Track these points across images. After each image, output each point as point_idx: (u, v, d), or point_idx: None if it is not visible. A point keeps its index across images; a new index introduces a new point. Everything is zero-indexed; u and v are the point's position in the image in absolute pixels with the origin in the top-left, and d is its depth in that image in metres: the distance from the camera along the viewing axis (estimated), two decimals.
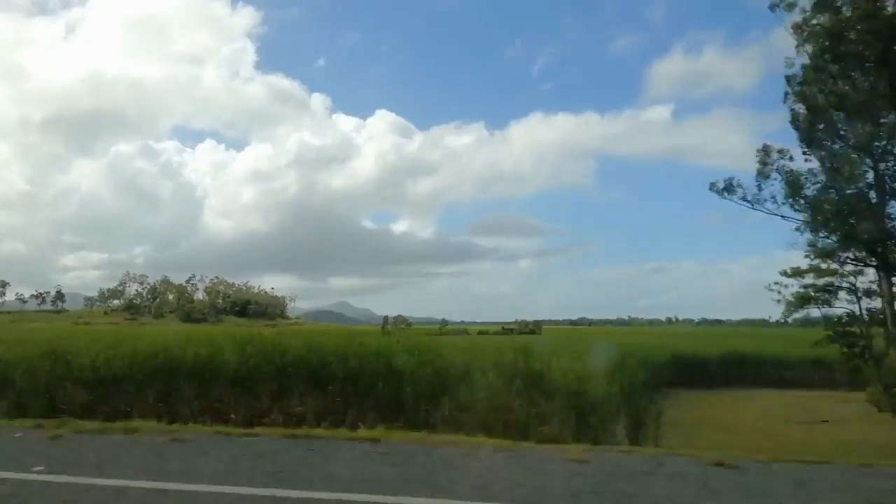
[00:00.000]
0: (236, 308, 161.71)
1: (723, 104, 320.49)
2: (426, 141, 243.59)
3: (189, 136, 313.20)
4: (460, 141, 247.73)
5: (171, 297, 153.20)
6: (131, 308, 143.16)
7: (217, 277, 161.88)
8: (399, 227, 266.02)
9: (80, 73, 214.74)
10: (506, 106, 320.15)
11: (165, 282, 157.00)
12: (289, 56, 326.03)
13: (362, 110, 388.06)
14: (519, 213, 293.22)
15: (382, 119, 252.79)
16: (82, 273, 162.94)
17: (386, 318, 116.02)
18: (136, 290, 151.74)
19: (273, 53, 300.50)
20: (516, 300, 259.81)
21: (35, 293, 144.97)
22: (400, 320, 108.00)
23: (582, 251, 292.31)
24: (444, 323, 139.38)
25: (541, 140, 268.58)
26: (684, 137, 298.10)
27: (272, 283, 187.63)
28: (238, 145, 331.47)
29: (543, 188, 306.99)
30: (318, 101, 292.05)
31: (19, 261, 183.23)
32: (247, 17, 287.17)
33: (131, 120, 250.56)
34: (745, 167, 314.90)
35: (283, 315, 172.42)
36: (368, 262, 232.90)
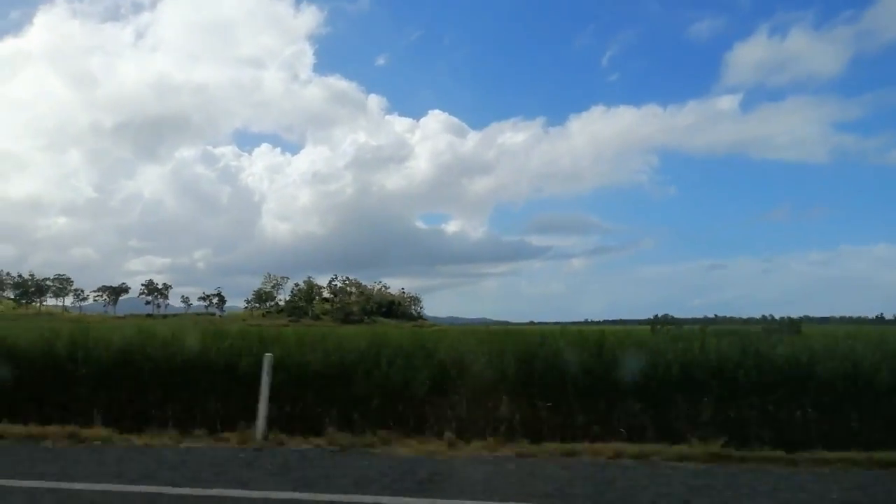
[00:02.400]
0: (382, 309, 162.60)
1: (800, 91, 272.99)
2: (481, 139, 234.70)
3: (248, 140, 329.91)
4: (517, 138, 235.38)
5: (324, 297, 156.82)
6: (291, 311, 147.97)
7: (348, 278, 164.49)
8: (451, 227, 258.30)
9: (149, 79, 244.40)
10: (568, 100, 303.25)
11: (309, 283, 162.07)
12: (348, 56, 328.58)
13: (416, 110, 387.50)
14: (574, 210, 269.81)
15: (436, 119, 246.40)
16: (147, 277, 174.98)
17: (656, 316, 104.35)
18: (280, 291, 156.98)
19: (333, 54, 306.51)
20: (567, 300, 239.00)
21: (203, 295, 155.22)
22: (667, 319, 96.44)
23: (636, 249, 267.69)
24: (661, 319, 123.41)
25: (600, 135, 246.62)
26: (752, 128, 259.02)
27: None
28: (294, 149, 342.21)
29: (600, 185, 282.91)
30: (374, 102, 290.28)
31: (89, 266, 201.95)
32: (310, 18, 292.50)
33: (195, 125, 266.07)
34: (815, 158, 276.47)
35: (420, 315, 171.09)
36: (420, 262, 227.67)
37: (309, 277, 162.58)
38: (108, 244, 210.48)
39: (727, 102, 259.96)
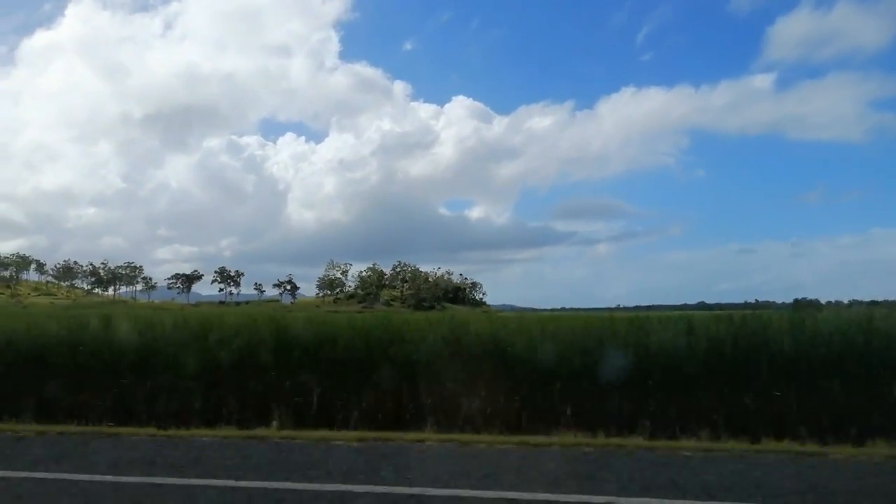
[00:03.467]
0: (448, 295, 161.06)
1: (842, 67, 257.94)
2: (508, 124, 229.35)
3: (274, 129, 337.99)
4: (545, 122, 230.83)
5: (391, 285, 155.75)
6: (363, 298, 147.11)
7: (400, 263, 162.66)
8: (475, 213, 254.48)
9: (177, 69, 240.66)
10: (598, 82, 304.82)
11: (373, 269, 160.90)
12: (376, 41, 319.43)
13: (441, 96, 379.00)
14: (600, 195, 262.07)
15: (461, 104, 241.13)
16: (175, 266, 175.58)
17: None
18: (340, 278, 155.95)
19: (359, 40, 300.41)
20: (591, 285, 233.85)
21: (277, 282, 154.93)
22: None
23: (663, 234, 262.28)
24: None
25: (629, 117, 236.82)
26: (788, 108, 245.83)
27: (352, 272, 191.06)
28: (319, 137, 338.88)
29: (628, 168, 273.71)
30: (400, 88, 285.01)
31: (119, 255, 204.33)
32: (338, 3, 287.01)
33: (222, 114, 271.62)
34: (851, 138, 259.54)
35: (483, 301, 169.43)
36: (444, 249, 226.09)
37: (374, 264, 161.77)
38: (137, 233, 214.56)
39: (762, 81, 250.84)
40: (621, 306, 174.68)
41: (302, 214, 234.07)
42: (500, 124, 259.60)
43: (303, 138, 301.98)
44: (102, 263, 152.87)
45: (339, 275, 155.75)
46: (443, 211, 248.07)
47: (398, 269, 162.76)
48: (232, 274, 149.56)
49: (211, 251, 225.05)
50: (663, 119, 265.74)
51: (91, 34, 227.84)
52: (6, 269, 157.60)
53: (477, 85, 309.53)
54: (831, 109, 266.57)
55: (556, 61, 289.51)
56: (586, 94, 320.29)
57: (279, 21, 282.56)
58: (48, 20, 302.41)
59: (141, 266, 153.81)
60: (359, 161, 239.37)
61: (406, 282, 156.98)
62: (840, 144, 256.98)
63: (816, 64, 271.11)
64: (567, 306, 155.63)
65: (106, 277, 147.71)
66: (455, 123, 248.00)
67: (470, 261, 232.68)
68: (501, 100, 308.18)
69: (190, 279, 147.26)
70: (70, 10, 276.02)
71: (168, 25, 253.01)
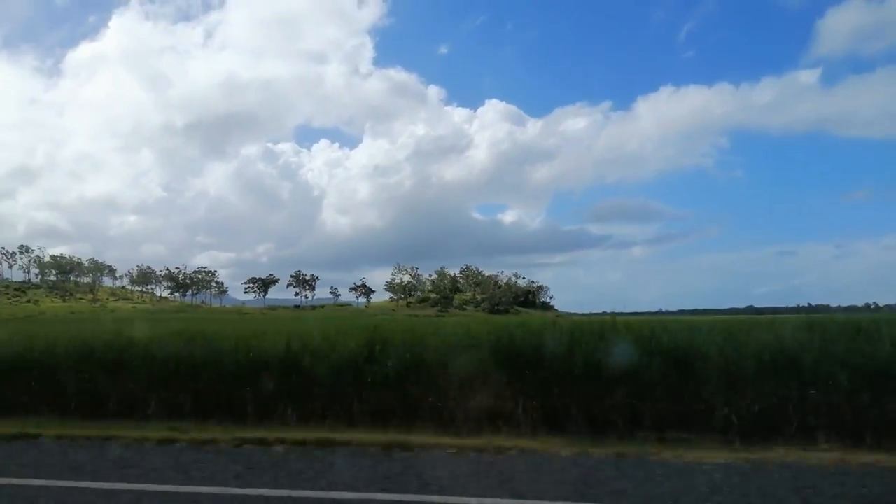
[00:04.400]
0: (520, 299, 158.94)
1: (893, 61, 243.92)
2: (543, 127, 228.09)
3: (309, 135, 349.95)
4: (580, 124, 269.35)
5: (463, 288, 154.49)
6: (437, 301, 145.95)
7: (467, 266, 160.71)
8: (508, 217, 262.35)
9: (217, 78, 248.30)
10: (636, 82, 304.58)
11: (442, 273, 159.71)
12: (410, 46, 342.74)
13: (475, 100, 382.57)
14: (636, 197, 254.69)
15: (494, 108, 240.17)
16: (212, 272, 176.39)
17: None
18: (412, 282, 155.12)
19: (394, 46, 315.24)
20: (627, 289, 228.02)
21: (354, 286, 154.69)
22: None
23: (701, 236, 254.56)
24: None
25: (667, 117, 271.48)
26: (834, 104, 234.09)
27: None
28: (353, 142, 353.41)
29: (664, 170, 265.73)
30: (434, 93, 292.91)
31: (160, 262, 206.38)
32: (374, 8, 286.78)
33: (260, 121, 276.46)
34: None
35: (551, 305, 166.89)
36: (477, 253, 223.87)
37: (442, 267, 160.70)
38: (177, 240, 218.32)
39: (808, 77, 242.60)
40: (663, 310, 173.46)
41: (337, 220, 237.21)
42: (534, 127, 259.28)
43: (337, 144, 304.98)
44: (177, 269, 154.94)
45: (407, 278, 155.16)
46: (476, 215, 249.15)
47: (465, 273, 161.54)
48: (307, 278, 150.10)
49: (248, 257, 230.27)
50: (702, 118, 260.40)
51: (134, 45, 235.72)
52: (85, 275, 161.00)
53: (511, 88, 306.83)
54: (880, 105, 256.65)
55: (592, 62, 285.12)
56: (623, 95, 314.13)
57: (316, 27, 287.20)
58: (93, 32, 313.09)
59: (215, 271, 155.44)
60: (393, 166, 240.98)
61: (478, 286, 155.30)
62: (889, 142, 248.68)
63: (865, 58, 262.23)
64: (606, 311, 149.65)
65: (183, 282, 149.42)
66: (488, 127, 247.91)
67: (503, 265, 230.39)
68: (536, 102, 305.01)
69: (266, 283, 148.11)
70: (114, 22, 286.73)
71: (209, 34, 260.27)
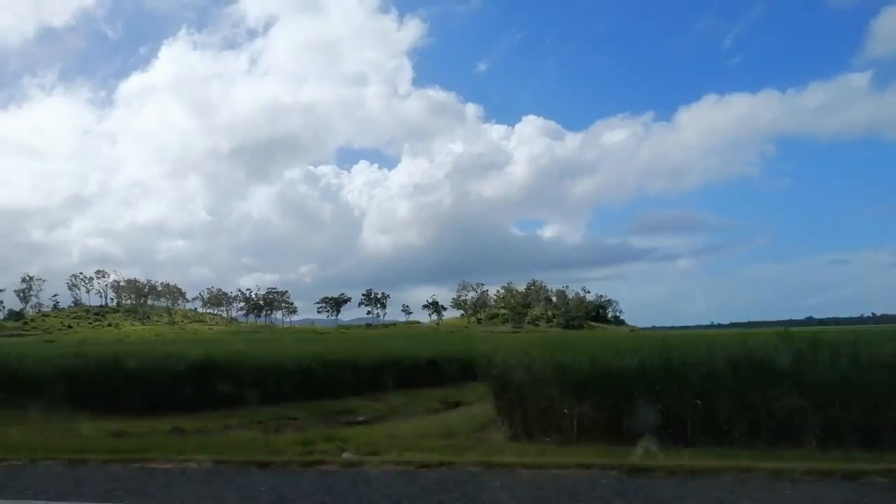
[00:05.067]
0: (592, 314, 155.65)
1: None
2: (582, 140, 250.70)
3: (349, 157, 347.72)
4: (621, 136, 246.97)
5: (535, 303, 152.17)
6: (507, 317, 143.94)
7: (534, 281, 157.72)
8: (548, 232, 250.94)
9: (261, 103, 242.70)
10: (679, 91, 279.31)
11: (508, 288, 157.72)
12: (448, 65, 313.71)
13: (513, 116, 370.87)
14: (680, 208, 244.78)
15: (532, 124, 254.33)
16: (258, 294, 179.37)
17: None
18: (473, 299, 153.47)
19: (433, 65, 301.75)
20: (672, 302, 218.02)
21: (426, 303, 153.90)
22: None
23: (747, 246, 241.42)
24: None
25: (711, 126, 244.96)
26: (887, 107, 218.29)
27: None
28: (392, 163, 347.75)
29: (709, 180, 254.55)
30: (472, 110, 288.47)
31: (206, 284, 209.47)
32: (413, 30, 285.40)
33: (302, 144, 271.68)
34: None
35: (622, 320, 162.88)
36: (517, 270, 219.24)
37: (509, 282, 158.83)
38: (222, 263, 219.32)
39: (860, 80, 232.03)
40: (715, 323, 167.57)
41: (377, 239, 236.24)
42: (573, 141, 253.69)
43: (376, 165, 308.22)
44: (248, 290, 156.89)
45: (473, 294, 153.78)
46: (515, 231, 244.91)
47: (533, 288, 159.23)
48: (378, 296, 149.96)
49: (291, 278, 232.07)
50: (747, 126, 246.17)
51: (182, 74, 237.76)
52: (159, 298, 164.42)
53: (549, 102, 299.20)
54: None
55: (634, 73, 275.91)
56: (665, 105, 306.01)
57: (356, 51, 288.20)
58: (144, 63, 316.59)
59: (287, 291, 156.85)
60: (432, 185, 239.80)
61: (550, 300, 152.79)
62: None
63: None
64: (654, 325, 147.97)
65: (257, 303, 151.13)
66: (526, 142, 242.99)
67: (543, 281, 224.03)
68: (575, 116, 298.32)
69: (338, 302, 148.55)
70: (163, 52, 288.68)
71: (253, 61, 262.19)
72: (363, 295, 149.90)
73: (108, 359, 15.32)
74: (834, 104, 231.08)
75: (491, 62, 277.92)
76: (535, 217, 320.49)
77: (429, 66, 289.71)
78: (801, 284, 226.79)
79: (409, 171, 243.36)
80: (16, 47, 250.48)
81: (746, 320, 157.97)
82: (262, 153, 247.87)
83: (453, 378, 26.78)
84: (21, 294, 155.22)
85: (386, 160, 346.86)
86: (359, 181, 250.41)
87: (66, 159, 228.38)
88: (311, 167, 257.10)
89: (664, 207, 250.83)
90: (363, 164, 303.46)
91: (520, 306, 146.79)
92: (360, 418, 16.51)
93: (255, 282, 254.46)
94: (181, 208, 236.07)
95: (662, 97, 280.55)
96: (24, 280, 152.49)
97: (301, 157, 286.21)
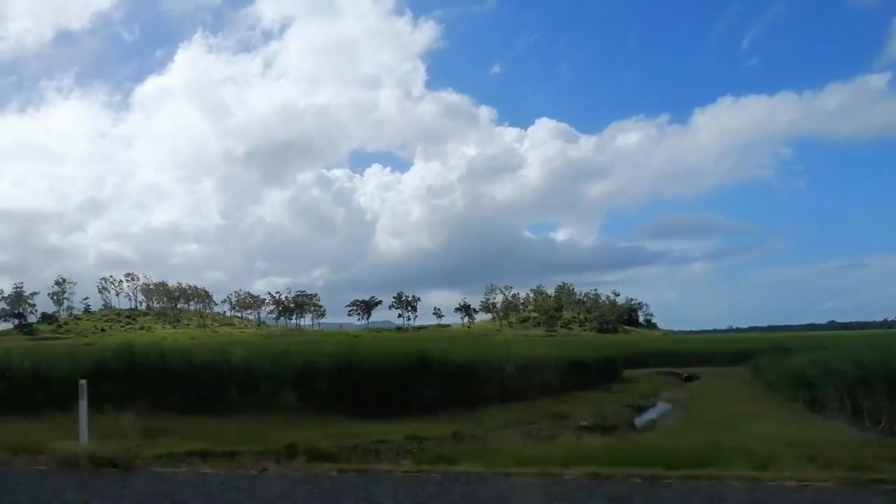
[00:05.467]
0: (624, 317, 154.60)
1: None
2: (596, 143, 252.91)
3: (362, 160, 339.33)
4: (635, 138, 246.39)
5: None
6: (539, 321, 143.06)
7: (563, 284, 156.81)
8: (560, 235, 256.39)
9: (275, 106, 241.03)
10: (695, 93, 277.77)
11: (538, 291, 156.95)
12: (463, 68, 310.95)
13: (527, 119, 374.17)
14: (695, 211, 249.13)
15: (545, 126, 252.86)
16: (287, 297, 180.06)
17: None
18: (502, 302, 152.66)
19: (447, 68, 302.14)
20: (685, 306, 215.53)
21: (459, 305, 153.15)
22: None
23: (765, 250, 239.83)
24: None
25: (727, 128, 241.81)
26: None
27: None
28: (405, 166, 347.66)
29: (723, 183, 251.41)
30: (485, 113, 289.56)
31: (221, 288, 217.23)
32: (427, 32, 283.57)
33: (316, 147, 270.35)
34: None
35: (653, 324, 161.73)
36: (529, 273, 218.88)
37: (539, 285, 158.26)
38: (235, 266, 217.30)
39: (878, 81, 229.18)
40: (733, 327, 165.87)
41: (389, 243, 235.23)
42: (587, 143, 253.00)
43: (388, 168, 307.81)
44: (277, 293, 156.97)
45: (502, 297, 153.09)
46: (527, 234, 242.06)
47: (562, 291, 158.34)
48: (409, 299, 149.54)
49: (304, 281, 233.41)
50: (764, 128, 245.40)
51: (197, 77, 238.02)
52: (187, 301, 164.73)
53: (563, 105, 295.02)
54: None
55: (650, 75, 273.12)
56: (681, 107, 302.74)
57: (371, 53, 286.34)
58: (160, 66, 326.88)
59: (316, 294, 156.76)
60: (444, 188, 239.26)
61: (583, 303, 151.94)
62: None
63: None
64: (671, 329, 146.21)
65: (287, 306, 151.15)
66: (540, 145, 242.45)
67: (556, 284, 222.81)
68: (589, 118, 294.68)
69: (369, 305, 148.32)
70: (179, 56, 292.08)
71: (267, 64, 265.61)
72: (394, 298, 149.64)
73: (342, 356, 15.00)
74: (852, 106, 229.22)
75: (505, 64, 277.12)
76: (548, 220, 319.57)
77: (443, 69, 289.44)
78: (818, 289, 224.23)
79: (421, 174, 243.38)
80: (34, 50, 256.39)
81: (766, 324, 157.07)
82: (275, 157, 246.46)
83: (596, 381, 26.70)
84: (54, 297, 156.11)
85: (399, 163, 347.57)
86: (371, 184, 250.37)
87: (82, 163, 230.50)
88: (324, 171, 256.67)
89: (678, 210, 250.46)
90: (376, 167, 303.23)
91: (552, 310, 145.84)
92: (583, 423, 15.99)
93: (267, 286, 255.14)
94: (195, 212, 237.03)
95: (678, 99, 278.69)
96: (57, 283, 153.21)
97: (315, 160, 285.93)
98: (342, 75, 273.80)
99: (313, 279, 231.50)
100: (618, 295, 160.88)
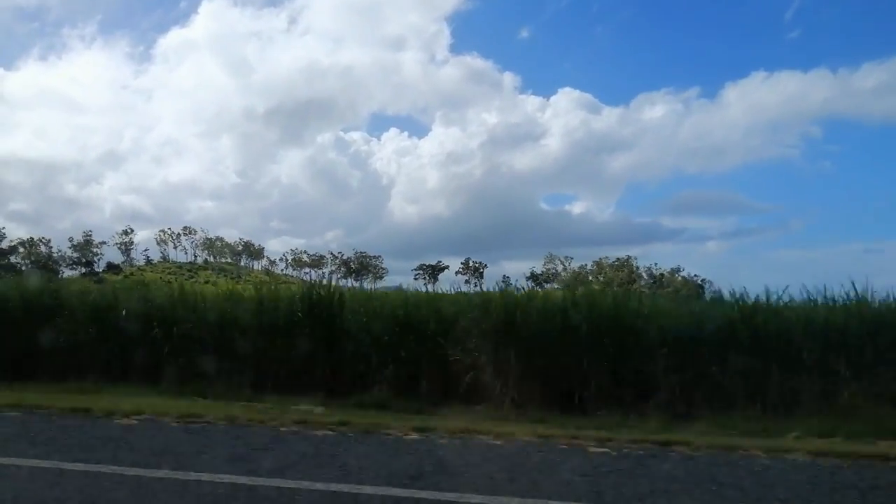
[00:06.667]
0: (655, 284, 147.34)
1: None
2: (620, 115, 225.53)
3: (381, 124, 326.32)
4: (662, 111, 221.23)
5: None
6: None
7: (629, 257, 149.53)
8: (577, 208, 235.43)
9: (299, 63, 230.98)
10: (728, 66, 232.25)
11: (601, 264, 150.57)
12: (490, 31, 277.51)
13: (550, 87, 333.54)
14: (716, 189, 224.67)
15: (568, 97, 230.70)
16: (349, 257, 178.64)
17: None
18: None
19: (473, 31, 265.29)
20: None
21: (528, 273, 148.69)
22: None
23: (783, 231, 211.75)
24: None
25: (757, 104, 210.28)
26: None
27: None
28: (423, 131, 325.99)
29: (746, 161, 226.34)
30: (509, 80, 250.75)
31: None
32: None
33: (338, 108, 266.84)
34: None
35: None
36: (543, 245, 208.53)
37: (602, 258, 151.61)
38: (251, 225, 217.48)
39: None
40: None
41: (404, 208, 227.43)
42: (611, 115, 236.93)
43: (406, 133, 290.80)
44: (340, 252, 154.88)
45: (561, 267, 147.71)
46: (543, 205, 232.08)
47: (625, 264, 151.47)
48: (477, 265, 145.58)
49: (318, 243, 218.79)
50: (794, 106, 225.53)
51: (221, 31, 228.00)
52: (233, 255, 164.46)
53: (591, 74, 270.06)
54: None
55: (683, 45, 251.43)
56: (712, 81, 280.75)
57: (399, 13, 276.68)
58: (184, 18, 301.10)
59: (380, 256, 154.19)
60: (462, 155, 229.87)
61: (654, 276, 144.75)
62: None
63: None
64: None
65: (355, 267, 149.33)
66: (562, 115, 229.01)
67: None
68: (617, 88, 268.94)
69: (435, 270, 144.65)
70: (203, 8, 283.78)
71: (293, 20, 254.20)
72: (461, 264, 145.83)
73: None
74: (888, 86, 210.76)
75: (535, 28, 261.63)
76: (565, 192, 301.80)
77: (470, 31, 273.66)
78: (833, 272, 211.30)
79: (440, 140, 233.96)
80: None
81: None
82: (296, 116, 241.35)
83: None
84: (122, 247, 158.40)
85: (417, 128, 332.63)
86: (388, 149, 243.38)
87: (103, 114, 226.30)
88: (341, 133, 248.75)
89: (699, 187, 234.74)
90: (393, 131, 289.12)
91: (625, 283, 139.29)
92: None
93: (282, 245, 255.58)
94: (212, 169, 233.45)
95: (709, 72, 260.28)
96: (125, 232, 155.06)
97: (335, 121, 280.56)
98: (368, 35, 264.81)
99: (327, 241, 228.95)
100: (682, 269, 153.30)
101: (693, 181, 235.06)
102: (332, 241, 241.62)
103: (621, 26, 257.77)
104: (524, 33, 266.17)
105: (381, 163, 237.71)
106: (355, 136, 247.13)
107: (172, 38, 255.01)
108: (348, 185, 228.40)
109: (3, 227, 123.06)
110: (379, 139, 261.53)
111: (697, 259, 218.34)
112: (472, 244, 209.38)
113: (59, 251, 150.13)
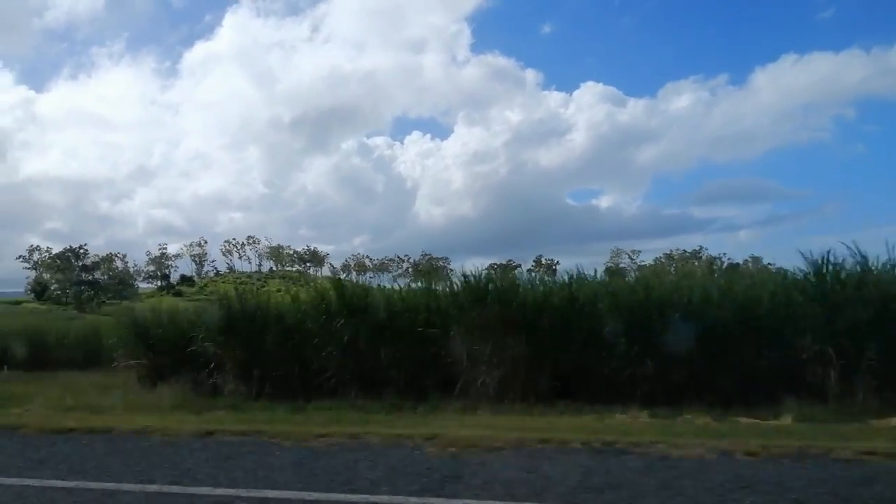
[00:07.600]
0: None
1: None
2: (644, 107, 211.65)
3: (404, 127, 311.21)
4: (687, 101, 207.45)
5: None
6: None
7: (699, 249, 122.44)
8: (604, 202, 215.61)
9: (322, 71, 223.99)
10: (757, 50, 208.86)
11: (672, 257, 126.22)
12: (511, 28, 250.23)
13: (574, 82, 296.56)
14: (746, 176, 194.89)
15: (591, 91, 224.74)
16: (418, 261, 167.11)
17: None
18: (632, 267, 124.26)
19: (494, 29, 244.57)
20: None
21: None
22: None
23: (817, 216, 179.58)
24: None
25: (787, 88, 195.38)
26: None
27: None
28: (446, 133, 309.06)
29: (780, 146, 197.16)
30: (531, 77, 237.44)
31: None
32: None
33: (361, 114, 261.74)
34: None
35: None
36: (571, 241, 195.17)
37: (671, 250, 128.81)
38: (279, 235, 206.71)
39: None
40: None
41: (430, 210, 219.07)
42: (636, 107, 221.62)
43: (428, 136, 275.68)
44: (406, 256, 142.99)
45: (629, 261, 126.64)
46: (570, 201, 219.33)
47: (695, 258, 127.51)
48: (549, 263, 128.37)
49: (345, 249, 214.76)
50: (827, 88, 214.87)
51: (245, 42, 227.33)
52: (300, 263, 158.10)
53: (615, 66, 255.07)
54: None
55: (710, 31, 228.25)
56: (740, 66, 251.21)
57: (419, 15, 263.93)
58: (208, 31, 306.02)
59: (447, 257, 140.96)
60: (487, 155, 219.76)
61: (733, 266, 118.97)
62: None
63: None
64: None
65: (427, 271, 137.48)
66: (586, 110, 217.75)
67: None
68: (642, 79, 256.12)
69: (507, 268, 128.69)
70: (227, 20, 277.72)
71: (315, 28, 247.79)
72: (533, 262, 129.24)
73: None
74: None
75: (556, 23, 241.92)
76: (592, 187, 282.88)
77: (491, 30, 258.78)
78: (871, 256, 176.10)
79: (462, 140, 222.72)
80: (86, 16, 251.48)
81: None
82: (321, 124, 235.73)
83: None
84: (196, 259, 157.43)
85: (440, 130, 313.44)
86: (412, 152, 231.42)
87: (132, 130, 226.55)
88: (365, 138, 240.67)
89: (728, 176, 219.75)
90: (416, 134, 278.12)
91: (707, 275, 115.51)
92: None
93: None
94: (239, 180, 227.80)
95: (737, 58, 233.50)
96: (199, 244, 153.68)
97: (359, 127, 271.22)
98: (389, 39, 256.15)
99: (354, 247, 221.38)
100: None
101: (722, 170, 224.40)
102: (359, 246, 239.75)
103: (645, 17, 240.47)
104: (546, 29, 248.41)
105: (405, 166, 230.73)
106: (378, 140, 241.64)
107: (198, 52, 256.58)
108: (373, 189, 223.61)
109: (86, 244, 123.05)
110: (402, 143, 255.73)
111: (729, 249, 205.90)
112: (498, 243, 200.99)
113: (136, 265, 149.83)
